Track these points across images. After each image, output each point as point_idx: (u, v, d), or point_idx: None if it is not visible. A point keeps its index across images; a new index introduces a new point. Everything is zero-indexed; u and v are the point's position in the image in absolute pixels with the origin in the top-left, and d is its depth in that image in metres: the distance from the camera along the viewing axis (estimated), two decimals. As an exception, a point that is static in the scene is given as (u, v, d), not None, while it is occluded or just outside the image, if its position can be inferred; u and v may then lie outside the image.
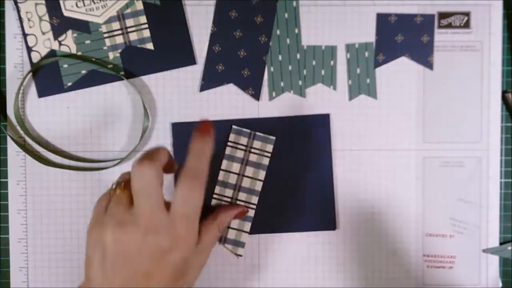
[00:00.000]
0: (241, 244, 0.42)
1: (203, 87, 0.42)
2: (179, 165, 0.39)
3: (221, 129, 0.41)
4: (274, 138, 0.41)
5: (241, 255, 0.42)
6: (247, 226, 0.41)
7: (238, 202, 0.41)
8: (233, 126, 0.41)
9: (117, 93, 0.42)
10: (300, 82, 0.42)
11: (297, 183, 0.41)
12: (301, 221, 0.42)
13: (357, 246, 0.42)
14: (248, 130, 0.41)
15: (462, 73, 0.42)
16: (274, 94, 0.42)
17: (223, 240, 0.42)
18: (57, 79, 0.41)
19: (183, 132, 0.41)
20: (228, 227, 0.41)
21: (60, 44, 0.41)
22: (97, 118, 0.42)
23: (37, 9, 0.41)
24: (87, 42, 0.41)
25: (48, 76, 0.41)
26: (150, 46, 0.41)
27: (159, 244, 0.30)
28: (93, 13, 0.41)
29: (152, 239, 0.30)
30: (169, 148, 0.41)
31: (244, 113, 0.42)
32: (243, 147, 0.41)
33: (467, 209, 0.42)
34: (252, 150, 0.41)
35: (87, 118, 0.42)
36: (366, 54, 0.42)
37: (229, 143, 0.41)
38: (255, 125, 0.41)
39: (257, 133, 0.41)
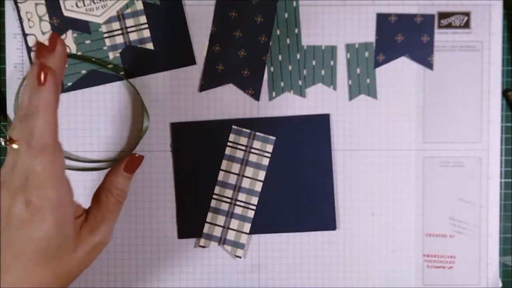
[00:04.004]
0: (241, 246, 0.42)
1: (203, 87, 0.42)
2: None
3: (221, 129, 0.41)
4: (274, 138, 0.41)
5: (240, 257, 0.42)
6: (247, 227, 0.41)
7: (237, 203, 0.41)
8: (233, 126, 0.41)
9: (117, 93, 0.42)
10: (300, 82, 0.42)
11: (297, 183, 0.41)
12: (301, 221, 0.42)
13: (357, 246, 0.42)
14: (248, 130, 0.41)
15: (462, 73, 0.42)
16: (274, 94, 0.42)
17: (222, 241, 0.42)
18: (57, 79, 0.41)
19: (182, 132, 0.41)
20: (228, 228, 0.41)
21: (60, 44, 0.41)
22: (97, 118, 0.42)
23: (37, 9, 0.41)
24: (87, 42, 0.41)
25: (48, 76, 0.41)
26: (150, 46, 0.41)
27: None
28: (93, 13, 0.41)
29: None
30: (168, 148, 0.42)
31: (244, 113, 0.42)
32: (243, 147, 0.41)
33: (467, 209, 0.42)
34: (252, 151, 0.41)
35: (87, 118, 0.42)
36: (366, 54, 0.42)
37: (229, 143, 0.41)
38: (255, 125, 0.41)
39: (257, 133, 0.41)
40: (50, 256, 0.28)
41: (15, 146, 0.27)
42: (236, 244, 0.41)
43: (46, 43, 0.29)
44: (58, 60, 0.28)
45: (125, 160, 0.34)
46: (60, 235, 0.28)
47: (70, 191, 0.29)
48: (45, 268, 0.28)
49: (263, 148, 0.41)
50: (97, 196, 0.33)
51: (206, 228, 0.41)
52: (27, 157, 0.26)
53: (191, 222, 0.41)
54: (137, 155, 0.35)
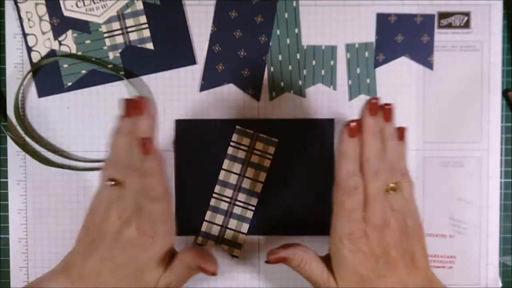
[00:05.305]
0: (238, 246, 0.42)
1: (203, 87, 0.42)
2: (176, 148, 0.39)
3: (221, 129, 0.41)
4: (276, 140, 0.41)
5: (237, 256, 0.42)
6: (245, 227, 0.41)
7: (237, 203, 0.41)
8: (237, 127, 0.41)
9: (117, 93, 0.42)
10: (300, 82, 0.42)
11: (298, 186, 0.41)
12: (300, 224, 0.41)
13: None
14: (252, 131, 0.41)
15: (462, 73, 0.42)
16: (274, 94, 0.42)
17: (220, 240, 0.42)
18: (57, 79, 0.41)
19: (185, 130, 0.41)
20: (226, 227, 0.41)
21: (60, 44, 0.41)
22: (97, 118, 0.42)
23: (37, 9, 0.41)
24: (87, 42, 0.41)
25: (48, 76, 0.41)
26: (150, 46, 0.41)
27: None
28: (93, 13, 0.41)
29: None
30: (168, 147, 0.42)
31: (244, 113, 0.42)
32: (246, 148, 0.41)
33: (467, 209, 0.42)
34: (254, 151, 0.41)
35: (87, 118, 0.42)
36: (366, 54, 0.42)
37: (231, 143, 0.41)
38: (258, 126, 0.41)
39: (260, 135, 0.41)
40: (142, 276, 0.33)
41: (115, 185, 0.32)
42: (234, 244, 0.41)
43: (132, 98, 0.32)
44: (150, 123, 0.32)
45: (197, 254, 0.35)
46: (158, 261, 0.33)
47: (173, 227, 0.34)
48: (135, 283, 0.33)
49: (266, 149, 0.41)
50: (179, 257, 0.35)
51: (205, 227, 0.41)
52: (146, 202, 0.31)
53: (190, 220, 0.41)
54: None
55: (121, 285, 0.32)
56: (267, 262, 0.35)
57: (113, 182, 0.32)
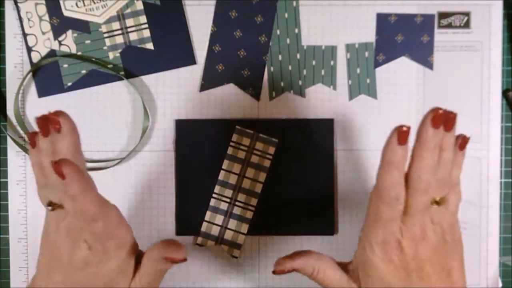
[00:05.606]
0: (238, 246, 0.42)
1: (203, 87, 0.42)
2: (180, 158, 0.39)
3: (221, 129, 0.41)
4: (277, 140, 0.41)
5: (236, 257, 0.42)
6: (245, 227, 0.41)
7: (237, 203, 0.41)
8: (237, 127, 0.41)
9: (117, 93, 0.42)
10: (300, 82, 0.42)
11: (297, 186, 0.41)
12: (300, 225, 0.41)
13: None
14: (252, 131, 0.41)
15: (462, 73, 0.42)
16: (274, 94, 0.42)
17: (219, 240, 0.42)
18: (57, 79, 0.41)
19: (185, 129, 0.41)
20: (226, 228, 0.41)
21: (60, 44, 0.41)
22: (97, 118, 0.42)
23: (37, 9, 0.41)
24: (87, 42, 0.41)
25: (48, 76, 0.41)
26: (150, 46, 0.41)
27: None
28: (93, 13, 0.41)
29: None
30: (172, 144, 0.42)
31: (244, 113, 0.42)
32: (246, 148, 0.41)
33: (467, 209, 0.42)
34: (254, 152, 0.41)
35: (87, 118, 0.42)
36: (366, 54, 0.42)
37: (231, 143, 0.41)
38: (258, 126, 0.41)
39: (260, 135, 0.41)
40: None
41: (54, 208, 0.31)
42: (233, 244, 0.41)
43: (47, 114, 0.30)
44: (69, 139, 0.30)
45: (168, 246, 0.33)
46: (122, 271, 0.32)
47: (128, 232, 0.32)
48: None
49: (266, 149, 0.41)
50: (145, 256, 0.33)
51: (204, 227, 0.41)
52: (85, 223, 0.30)
53: (190, 220, 0.41)
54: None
55: None
56: (274, 272, 0.34)
57: (50, 207, 0.31)
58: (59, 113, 0.30)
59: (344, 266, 0.33)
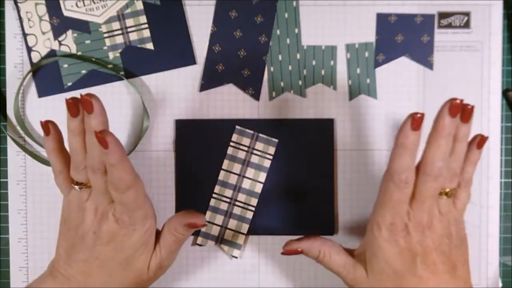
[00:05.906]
0: (237, 246, 0.42)
1: (203, 87, 0.42)
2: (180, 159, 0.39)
3: (221, 129, 0.41)
4: (277, 140, 0.41)
5: (236, 257, 0.42)
6: (245, 228, 0.41)
7: (237, 203, 0.41)
8: (237, 127, 0.41)
9: (117, 93, 0.42)
10: (300, 82, 0.42)
11: (297, 187, 0.41)
12: (300, 225, 0.41)
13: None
14: (251, 131, 0.41)
15: (462, 73, 0.42)
16: (274, 94, 0.42)
17: (219, 240, 0.42)
18: (57, 79, 0.41)
19: (185, 130, 0.41)
20: (226, 228, 0.41)
21: (60, 44, 0.41)
22: (97, 118, 0.42)
23: (37, 9, 0.41)
24: (87, 42, 0.41)
25: (48, 76, 0.41)
26: (150, 46, 0.41)
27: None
28: (93, 13, 0.41)
29: None
30: (172, 144, 0.42)
31: (244, 113, 0.42)
32: (245, 148, 0.41)
33: (467, 209, 0.42)
34: (254, 152, 0.41)
35: (87, 118, 0.42)
36: (366, 54, 0.42)
37: (231, 143, 0.41)
38: (258, 126, 0.41)
39: (260, 135, 0.41)
40: (132, 263, 0.33)
41: (81, 188, 0.33)
42: (233, 244, 0.41)
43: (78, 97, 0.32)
44: (100, 119, 0.32)
45: (190, 215, 0.35)
46: (144, 244, 0.33)
47: (151, 206, 0.34)
48: (127, 273, 0.33)
49: (266, 150, 0.41)
50: (165, 227, 0.35)
51: (204, 227, 0.41)
52: (117, 194, 0.31)
53: (190, 222, 0.41)
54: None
55: (112, 279, 0.33)
56: (282, 253, 0.36)
57: (78, 186, 0.33)
58: (91, 95, 0.31)
59: (350, 252, 0.35)
